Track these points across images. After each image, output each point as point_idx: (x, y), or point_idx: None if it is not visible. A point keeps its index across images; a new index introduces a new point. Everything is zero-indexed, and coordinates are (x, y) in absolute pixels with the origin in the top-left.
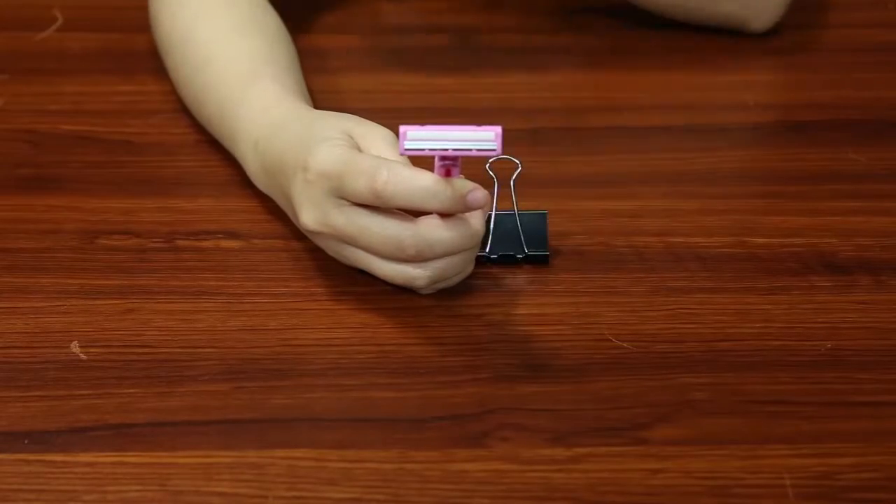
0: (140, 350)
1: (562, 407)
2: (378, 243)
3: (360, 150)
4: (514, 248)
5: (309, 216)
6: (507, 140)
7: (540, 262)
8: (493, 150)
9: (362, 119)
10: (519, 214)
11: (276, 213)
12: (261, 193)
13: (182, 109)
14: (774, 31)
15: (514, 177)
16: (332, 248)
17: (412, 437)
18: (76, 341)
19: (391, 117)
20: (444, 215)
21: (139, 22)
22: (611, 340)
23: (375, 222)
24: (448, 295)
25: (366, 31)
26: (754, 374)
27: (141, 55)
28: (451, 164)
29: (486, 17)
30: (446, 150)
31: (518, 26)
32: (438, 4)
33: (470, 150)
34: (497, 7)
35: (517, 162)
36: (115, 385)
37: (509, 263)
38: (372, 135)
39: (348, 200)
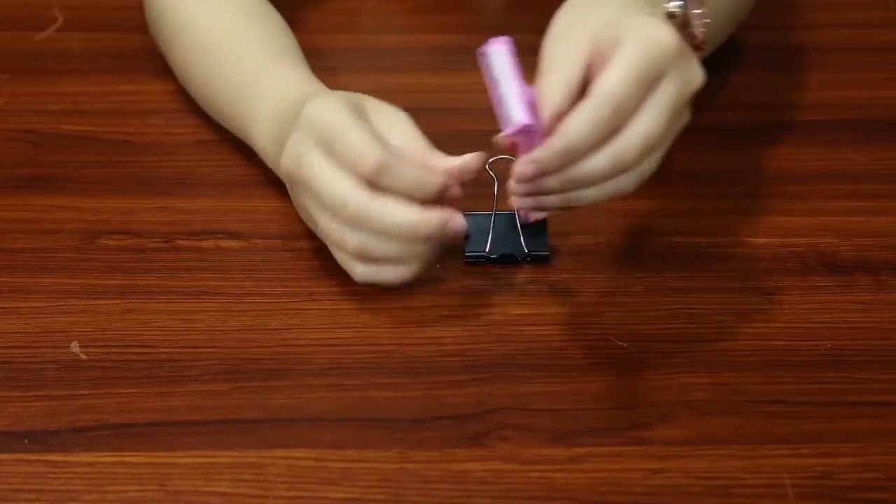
0: (140, 350)
1: (562, 407)
2: (327, 191)
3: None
4: (514, 248)
5: (288, 153)
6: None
7: (540, 262)
8: (505, 129)
9: (376, 99)
10: (519, 214)
11: (276, 213)
12: (261, 193)
13: (182, 109)
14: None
15: None
16: (297, 201)
17: (412, 437)
18: (76, 341)
19: None
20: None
21: (139, 22)
22: (611, 340)
23: (338, 173)
24: (448, 295)
25: (362, 30)
26: (754, 374)
27: (141, 55)
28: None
29: (482, 16)
30: (492, 88)
31: (515, 26)
32: (437, 4)
33: (499, 108)
34: (497, 6)
35: None
36: (115, 385)
37: (509, 263)
38: (383, 112)
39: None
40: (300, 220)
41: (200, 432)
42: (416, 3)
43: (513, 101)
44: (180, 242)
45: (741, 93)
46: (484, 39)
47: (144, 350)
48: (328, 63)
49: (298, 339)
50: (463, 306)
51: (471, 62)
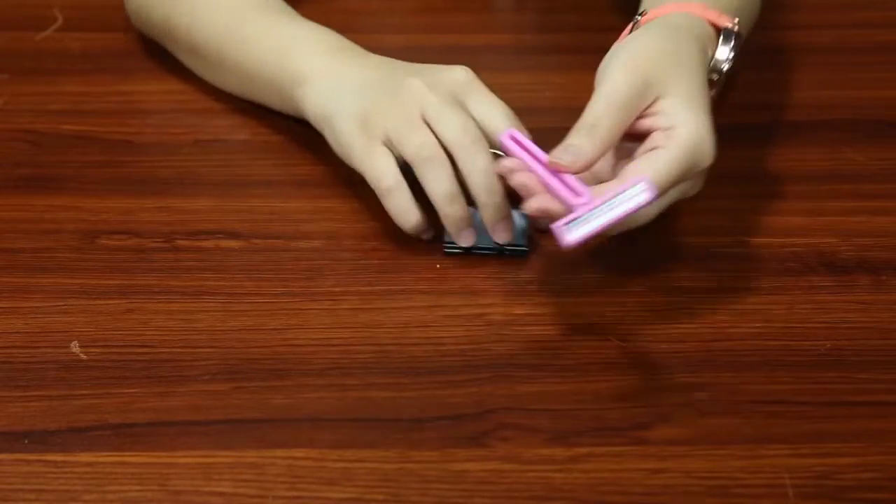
0: (140, 350)
1: (562, 407)
2: (487, 92)
3: None
4: (492, 242)
5: (443, 70)
6: None
7: (518, 257)
8: (558, 221)
9: None
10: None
11: (276, 213)
12: (261, 193)
13: (181, 109)
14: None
15: None
16: (403, 80)
17: (412, 437)
18: (76, 341)
19: None
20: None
21: None
22: (611, 340)
23: (470, 121)
24: (448, 295)
25: (363, 30)
26: (754, 374)
27: (141, 55)
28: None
29: (484, 16)
30: (608, 191)
31: (517, 26)
32: (439, 3)
33: (591, 202)
34: (506, 7)
35: None
36: (115, 385)
37: (490, 257)
38: None
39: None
40: (300, 220)
41: (200, 432)
42: (418, 2)
43: (589, 224)
44: (180, 242)
45: (741, 93)
46: (488, 40)
47: (144, 350)
48: None
49: (298, 339)
50: (463, 306)
51: (472, 62)
